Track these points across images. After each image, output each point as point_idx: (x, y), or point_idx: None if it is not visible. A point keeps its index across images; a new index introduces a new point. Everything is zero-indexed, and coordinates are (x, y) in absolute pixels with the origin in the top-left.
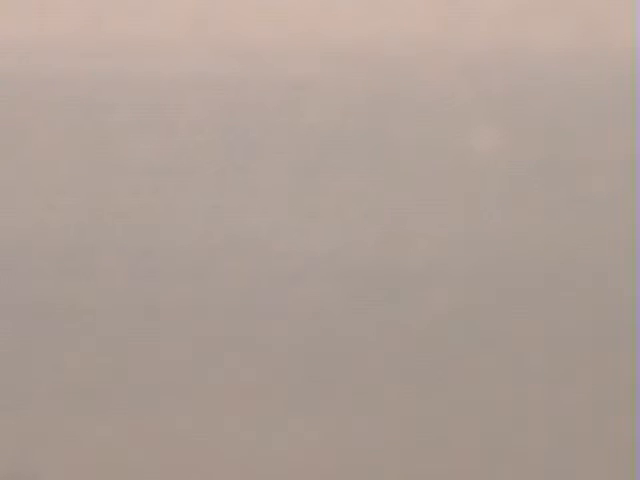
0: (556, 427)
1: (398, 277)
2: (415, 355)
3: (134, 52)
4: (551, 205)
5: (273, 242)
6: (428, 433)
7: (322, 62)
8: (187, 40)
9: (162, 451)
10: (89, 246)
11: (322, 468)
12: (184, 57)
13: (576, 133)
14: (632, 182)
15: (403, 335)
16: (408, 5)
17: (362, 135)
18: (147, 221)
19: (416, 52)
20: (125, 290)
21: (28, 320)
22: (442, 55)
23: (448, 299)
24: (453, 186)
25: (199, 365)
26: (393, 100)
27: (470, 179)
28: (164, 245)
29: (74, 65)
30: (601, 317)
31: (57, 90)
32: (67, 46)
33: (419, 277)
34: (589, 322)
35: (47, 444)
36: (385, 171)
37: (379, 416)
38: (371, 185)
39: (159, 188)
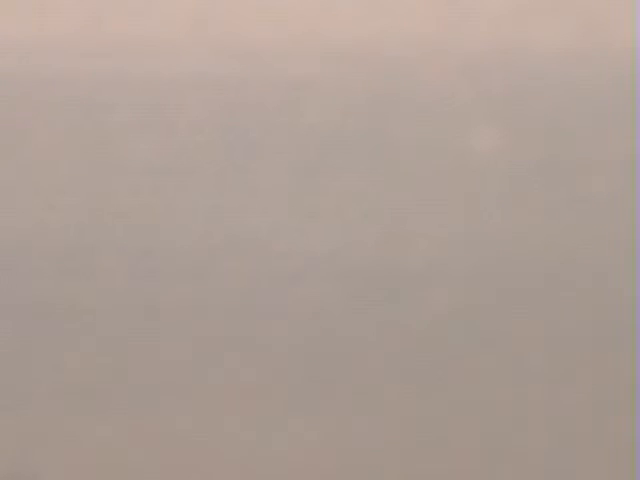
0: (556, 427)
1: (398, 277)
2: (415, 355)
3: (134, 52)
4: (551, 205)
5: (273, 242)
6: (428, 433)
7: (322, 62)
8: (187, 40)
9: (162, 451)
10: (89, 246)
11: (322, 468)
12: (184, 57)
13: (576, 133)
14: (632, 182)
15: (403, 335)
16: (408, 5)
17: (362, 135)
18: (147, 221)
19: (416, 52)
20: (125, 290)
21: (28, 320)
22: (442, 55)
23: (448, 299)
24: (453, 186)
25: (199, 365)
26: (393, 100)
27: (470, 179)
28: (164, 245)
29: (74, 65)
30: (601, 317)
31: (57, 90)
32: (67, 46)
33: (419, 277)
34: (589, 322)
35: (47, 444)
36: (385, 171)
37: (379, 416)
38: (371, 185)
39: (159, 188)
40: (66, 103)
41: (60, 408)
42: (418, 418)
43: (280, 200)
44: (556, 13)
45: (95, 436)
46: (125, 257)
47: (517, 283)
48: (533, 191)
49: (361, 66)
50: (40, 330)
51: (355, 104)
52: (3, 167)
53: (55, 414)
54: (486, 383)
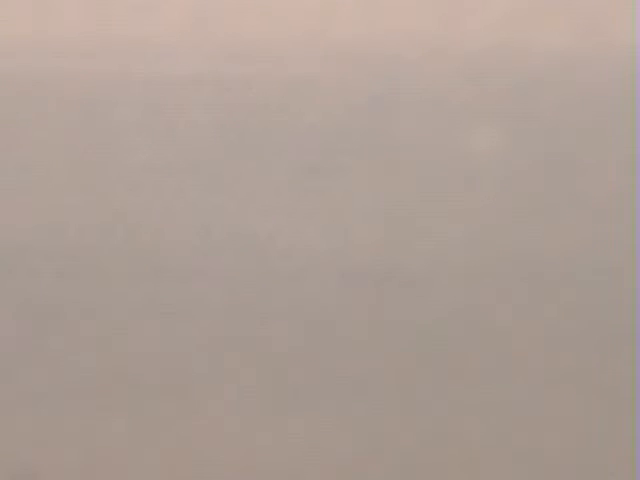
0: (556, 427)
1: (398, 277)
2: (415, 355)
3: (134, 52)
4: (551, 205)
5: (273, 242)
6: (428, 433)
7: (322, 62)
8: (187, 40)
9: (162, 451)
10: (89, 246)
11: (322, 468)
12: (184, 57)
13: (576, 133)
14: (632, 182)
15: (403, 335)
16: (408, 6)
17: (362, 135)
18: (147, 221)
19: (416, 52)
20: (125, 290)
21: (28, 320)
22: (442, 55)
23: (448, 299)
24: (453, 186)
25: (199, 365)
26: (393, 100)
27: (470, 179)
28: (164, 245)
29: (74, 65)
30: (601, 317)
31: (57, 90)
32: (67, 46)
33: (419, 277)
34: (589, 322)
35: (47, 444)
36: (385, 171)
37: (379, 416)
38: (371, 185)
39: (159, 188)
40: (66, 103)
41: (60, 408)
42: (418, 418)
43: (280, 200)
44: (556, 14)
45: (95, 436)
46: (125, 257)
47: (517, 283)
48: (533, 191)
49: (361, 66)
50: (40, 330)
51: (355, 104)
52: (3, 167)
53: (55, 414)
54: (486, 383)
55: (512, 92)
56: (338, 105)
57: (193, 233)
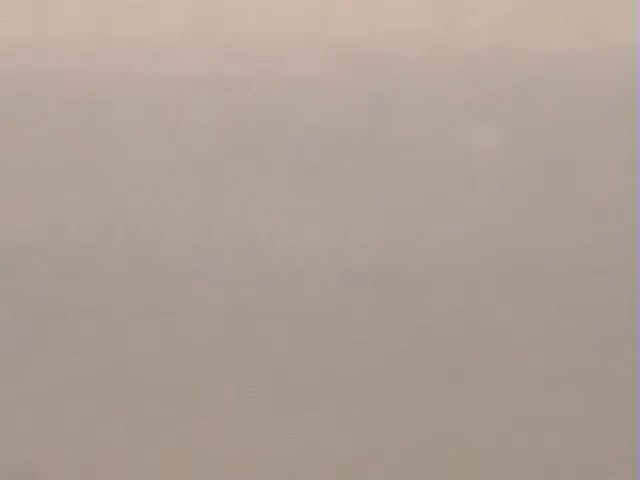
0: (556, 427)
1: (398, 277)
2: (415, 355)
3: (134, 52)
4: (551, 205)
5: (273, 242)
6: (428, 433)
7: (322, 62)
8: (187, 40)
9: (162, 451)
10: (89, 246)
11: (322, 468)
12: (184, 57)
13: (576, 133)
14: (632, 182)
15: (403, 335)
16: (408, 6)
17: (362, 135)
18: (147, 221)
19: (416, 52)
20: (125, 290)
21: (28, 320)
22: (442, 55)
23: (448, 299)
24: (453, 186)
25: (199, 365)
26: (393, 100)
27: (470, 179)
28: (164, 245)
29: (74, 65)
30: (601, 317)
31: (57, 90)
32: (67, 46)
33: (419, 277)
34: (589, 322)
35: (47, 444)
36: (385, 171)
37: (379, 416)
38: (371, 185)
39: (159, 188)
40: (66, 103)
41: (60, 408)
42: (418, 418)
43: (280, 200)
44: (556, 14)
45: (95, 436)
46: (125, 257)
47: (517, 283)
48: (533, 191)
49: (361, 66)
50: (40, 330)
51: (355, 104)
52: (3, 167)
53: (55, 414)
54: (486, 383)
55: (512, 92)
56: (338, 105)
57: (193, 233)
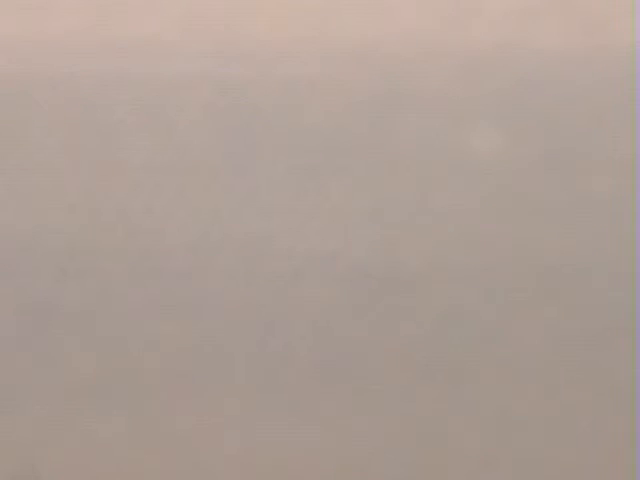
0: (556, 427)
1: (398, 277)
2: (415, 355)
3: (134, 52)
4: (551, 205)
5: (273, 242)
6: (428, 433)
7: (322, 62)
8: (187, 40)
9: (162, 451)
10: (89, 246)
11: (322, 468)
12: (184, 57)
13: (576, 133)
14: (632, 182)
15: (403, 335)
16: (408, 6)
17: (362, 135)
18: (147, 221)
19: (416, 52)
20: (125, 290)
21: (28, 320)
22: (442, 55)
23: (448, 299)
24: (453, 186)
25: (199, 364)
26: (393, 100)
27: (470, 179)
28: (164, 245)
29: (74, 65)
30: (601, 317)
31: (57, 90)
32: (67, 46)
33: (419, 277)
34: (589, 322)
35: (48, 444)
36: (385, 171)
37: (379, 416)
38: (371, 185)
39: (159, 188)
40: (66, 103)
41: (61, 408)
42: (418, 418)
43: (280, 200)
44: (556, 13)
45: (95, 436)
46: (125, 257)
47: (517, 283)
48: (533, 191)
49: (361, 66)
50: (40, 330)
51: (355, 104)
52: (3, 167)
53: (56, 414)
54: (486, 383)
55: (512, 92)
56: (338, 105)
57: (193, 233)
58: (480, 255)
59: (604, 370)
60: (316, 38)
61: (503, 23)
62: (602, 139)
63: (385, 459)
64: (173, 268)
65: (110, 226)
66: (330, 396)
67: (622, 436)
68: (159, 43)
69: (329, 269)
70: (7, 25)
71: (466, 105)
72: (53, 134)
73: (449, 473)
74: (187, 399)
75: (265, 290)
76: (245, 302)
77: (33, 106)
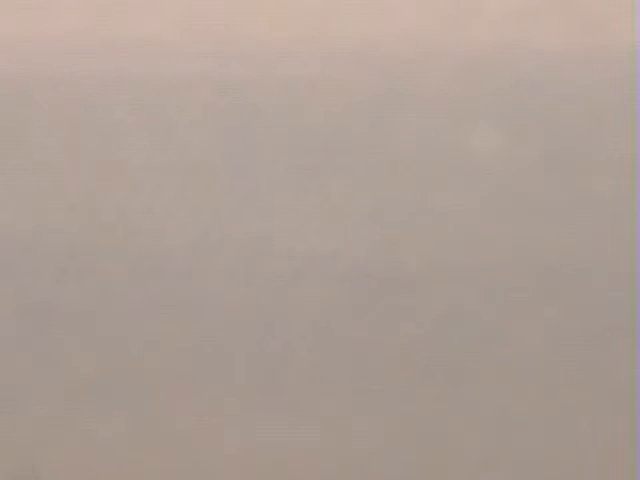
0: (556, 427)
1: (398, 277)
2: (415, 355)
3: (134, 52)
4: (551, 205)
5: (273, 242)
6: (428, 433)
7: (322, 62)
8: (187, 40)
9: (162, 451)
10: (89, 246)
11: (322, 468)
12: (184, 57)
13: (576, 133)
14: (632, 182)
15: (403, 335)
16: (408, 6)
17: (362, 135)
18: (147, 221)
19: (416, 52)
20: (125, 290)
21: (28, 320)
22: (442, 55)
23: (448, 299)
24: (453, 186)
25: (199, 364)
26: (393, 100)
27: (470, 179)
28: (164, 245)
29: (74, 65)
30: (601, 317)
31: (57, 90)
32: (67, 46)
33: (419, 277)
34: (589, 322)
35: (48, 444)
36: (385, 171)
37: (379, 416)
38: (371, 185)
39: (159, 188)
40: (66, 103)
41: (61, 408)
42: (418, 418)
43: (280, 200)
44: (556, 13)
45: (95, 436)
46: (125, 257)
47: (517, 283)
48: (533, 191)
49: (361, 66)
50: (40, 330)
51: (355, 104)
52: (3, 167)
53: (56, 414)
54: (485, 383)
55: (512, 92)
56: (338, 105)
57: (193, 233)
58: (480, 255)
59: (604, 370)
60: (316, 38)
61: (503, 23)
62: (602, 139)
63: (385, 459)
64: (173, 268)
65: (110, 226)
66: (330, 396)
67: (622, 436)
68: (159, 43)
69: (329, 269)
70: (7, 25)
71: (466, 105)
72: (53, 134)
73: (449, 473)
74: (187, 399)
75: (265, 290)
76: (245, 302)
77: (33, 106)
